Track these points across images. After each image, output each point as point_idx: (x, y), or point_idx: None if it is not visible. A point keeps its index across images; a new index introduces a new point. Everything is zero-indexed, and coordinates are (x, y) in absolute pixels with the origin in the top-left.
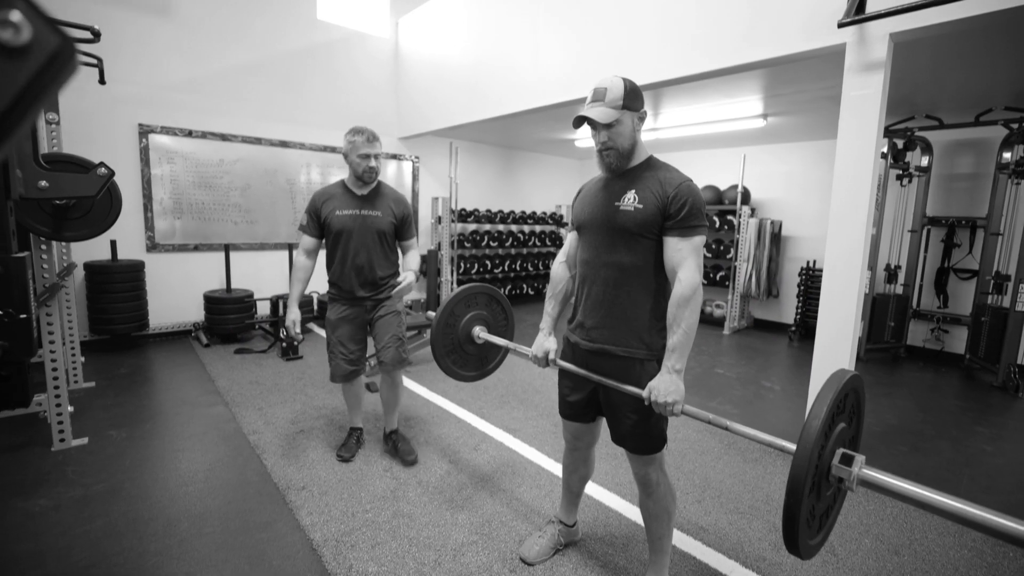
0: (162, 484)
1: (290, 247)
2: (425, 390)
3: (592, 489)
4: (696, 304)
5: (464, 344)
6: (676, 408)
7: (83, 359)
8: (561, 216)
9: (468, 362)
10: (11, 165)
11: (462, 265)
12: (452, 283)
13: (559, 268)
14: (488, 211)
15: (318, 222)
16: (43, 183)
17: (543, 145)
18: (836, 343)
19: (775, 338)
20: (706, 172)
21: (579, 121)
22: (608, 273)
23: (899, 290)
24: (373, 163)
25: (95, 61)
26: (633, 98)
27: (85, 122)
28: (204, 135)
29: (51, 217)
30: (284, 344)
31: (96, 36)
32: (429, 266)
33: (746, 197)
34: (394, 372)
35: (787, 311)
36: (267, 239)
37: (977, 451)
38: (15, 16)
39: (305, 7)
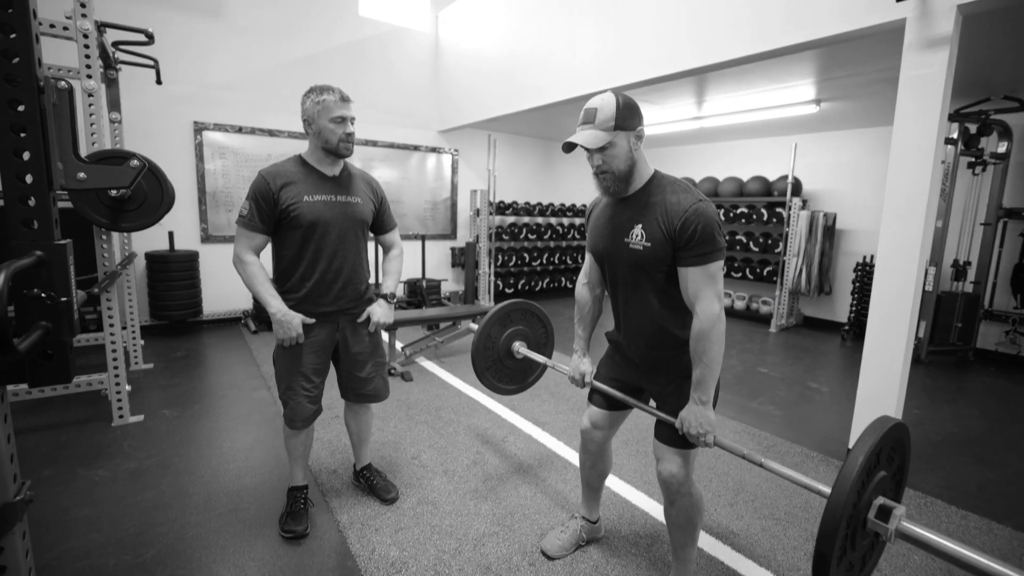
0: (206, 461)
1: None
2: (458, 380)
3: (619, 486)
4: (717, 335)
5: (504, 359)
6: (708, 439)
7: (142, 342)
8: None
9: (508, 376)
10: (52, 158)
11: (500, 258)
12: (490, 275)
13: (583, 291)
14: (527, 203)
15: (272, 212)
16: (81, 175)
17: None
18: (889, 344)
19: (826, 337)
20: (754, 162)
21: (568, 147)
22: (639, 307)
23: (968, 288)
24: (351, 128)
25: (152, 63)
26: (627, 116)
27: (145, 120)
28: (253, 131)
29: (109, 209)
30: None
31: (150, 39)
32: (467, 258)
33: (797, 188)
34: (372, 404)
35: (840, 309)
36: None
37: None
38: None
39: (348, 3)
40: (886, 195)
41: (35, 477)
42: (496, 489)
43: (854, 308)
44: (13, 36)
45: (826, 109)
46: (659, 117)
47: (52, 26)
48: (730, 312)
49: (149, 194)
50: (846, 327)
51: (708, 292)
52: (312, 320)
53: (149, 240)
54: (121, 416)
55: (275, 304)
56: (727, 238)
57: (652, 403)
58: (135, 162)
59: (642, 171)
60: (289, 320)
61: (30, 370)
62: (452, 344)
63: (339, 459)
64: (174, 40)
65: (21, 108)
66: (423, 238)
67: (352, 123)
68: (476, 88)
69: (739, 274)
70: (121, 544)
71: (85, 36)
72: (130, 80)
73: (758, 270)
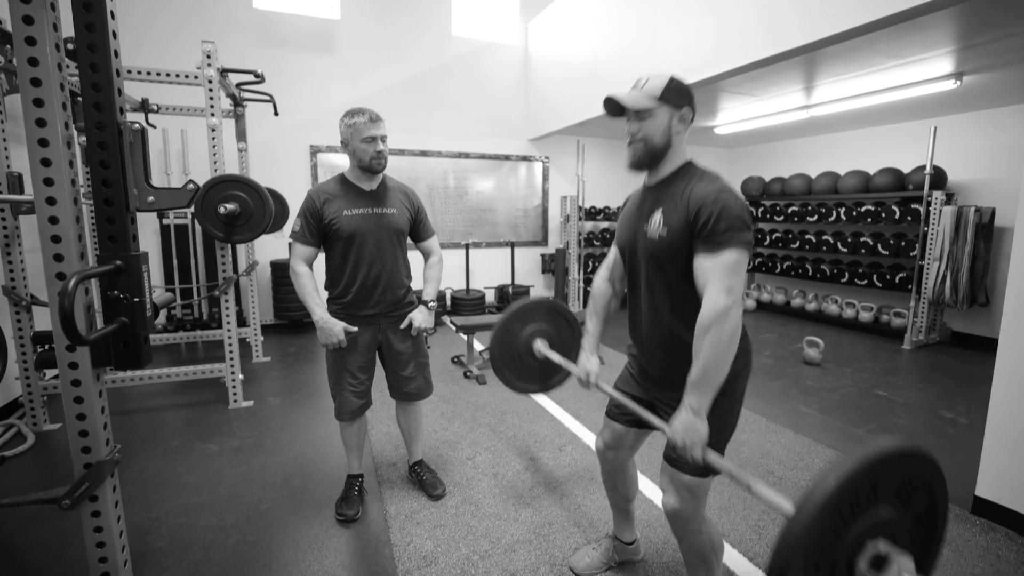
0: (291, 445)
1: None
2: None
3: None
4: (720, 333)
5: (524, 356)
6: (695, 452)
7: (262, 338)
8: None
9: (528, 374)
10: (129, 186)
11: (590, 264)
12: (579, 281)
13: (601, 285)
14: (618, 209)
15: (319, 226)
16: (151, 198)
17: None
18: None
19: (979, 358)
20: (883, 152)
21: (610, 106)
22: (649, 308)
23: None
24: (381, 146)
25: (268, 98)
26: (675, 94)
27: (267, 147)
28: None
29: (224, 225)
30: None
31: (259, 78)
32: (557, 264)
33: (940, 180)
34: (418, 402)
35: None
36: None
37: None
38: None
39: (441, 26)
40: None
41: (167, 446)
42: (540, 497)
43: None
44: (101, 92)
45: (970, 84)
46: (760, 110)
47: (187, 76)
48: (854, 324)
49: (255, 211)
50: None
51: (716, 283)
52: (355, 329)
53: (273, 250)
54: (235, 401)
55: (318, 312)
56: (849, 239)
57: (647, 434)
58: (191, 185)
59: (677, 156)
60: (331, 327)
61: (114, 357)
62: None
63: (400, 453)
64: (292, 75)
65: (107, 148)
66: (512, 245)
67: (383, 141)
68: (564, 94)
69: (864, 281)
70: (212, 508)
71: (210, 82)
72: (257, 114)
73: (888, 276)
